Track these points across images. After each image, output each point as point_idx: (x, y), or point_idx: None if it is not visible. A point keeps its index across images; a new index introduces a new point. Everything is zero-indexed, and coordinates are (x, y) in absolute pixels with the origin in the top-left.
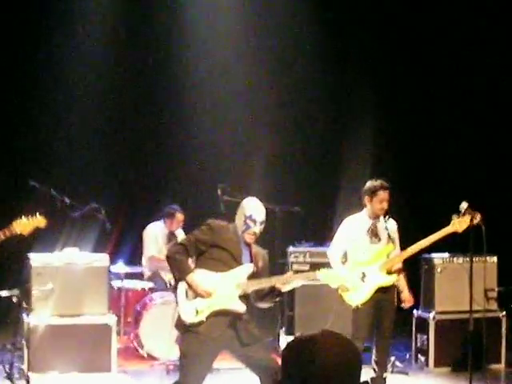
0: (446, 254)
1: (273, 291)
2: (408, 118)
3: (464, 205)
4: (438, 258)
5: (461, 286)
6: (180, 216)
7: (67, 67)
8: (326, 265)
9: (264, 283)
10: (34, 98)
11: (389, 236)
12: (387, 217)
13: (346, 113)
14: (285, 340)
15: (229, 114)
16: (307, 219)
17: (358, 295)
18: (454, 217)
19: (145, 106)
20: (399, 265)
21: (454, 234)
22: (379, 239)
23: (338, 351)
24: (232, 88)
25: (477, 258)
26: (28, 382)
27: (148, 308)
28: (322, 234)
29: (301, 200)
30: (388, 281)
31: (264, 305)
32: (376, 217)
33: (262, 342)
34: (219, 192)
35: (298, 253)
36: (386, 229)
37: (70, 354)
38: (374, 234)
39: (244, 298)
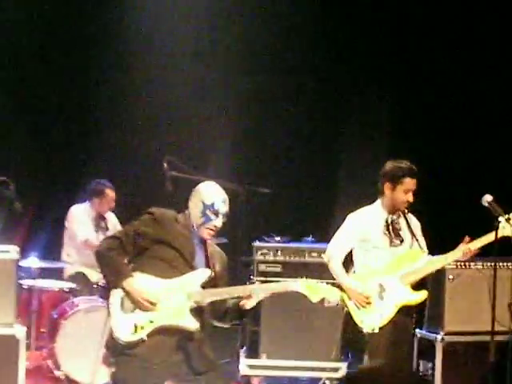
0: None
1: (234, 308)
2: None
3: (488, 198)
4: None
5: (478, 300)
6: (110, 193)
7: None
8: (304, 265)
9: (223, 294)
10: None
11: (413, 236)
12: (406, 212)
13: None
14: (246, 363)
15: (182, 71)
16: (280, 205)
17: (374, 316)
18: (502, 219)
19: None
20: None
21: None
22: (401, 240)
23: None
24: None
25: (501, 264)
26: None
27: (68, 316)
28: (299, 225)
29: (273, 181)
30: (415, 299)
31: (222, 324)
32: (395, 211)
33: (218, 369)
34: (165, 166)
35: (266, 249)
36: (409, 227)
37: None
38: (394, 233)
39: (197, 311)
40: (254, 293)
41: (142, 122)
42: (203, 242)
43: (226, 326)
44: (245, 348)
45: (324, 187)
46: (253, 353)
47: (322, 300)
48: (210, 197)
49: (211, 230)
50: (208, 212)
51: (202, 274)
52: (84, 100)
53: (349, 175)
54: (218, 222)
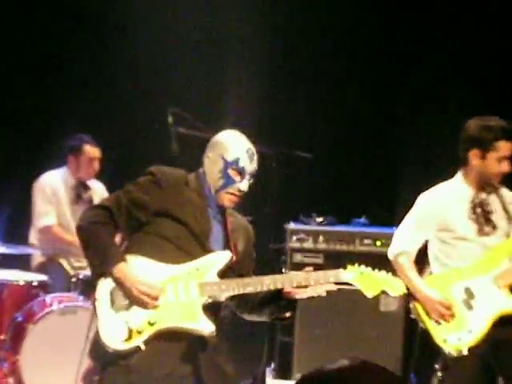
0: None
1: (279, 297)
2: None
3: None
4: None
5: None
6: (92, 151)
7: None
8: (354, 256)
9: (249, 286)
10: None
11: (510, 220)
12: (499, 187)
13: None
14: None
15: None
16: (324, 175)
17: (461, 333)
18: None
19: None
20: None
21: None
22: (493, 227)
23: None
24: None
25: None
26: None
27: (37, 319)
28: (349, 202)
29: (315, 143)
30: None
31: (258, 317)
32: (485, 187)
33: None
34: (170, 120)
35: (304, 233)
36: (504, 208)
37: None
38: (484, 217)
39: (212, 309)
40: (307, 282)
41: (140, 64)
42: (222, 212)
43: (262, 318)
44: (273, 365)
45: (383, 152)
46: (283, 372)
47: (381, 294)
48: (234, 150)
49: (234, 195)
50: (230, 171)
51: (220, 257)
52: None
53: (417, 136)
54: (244, 185)
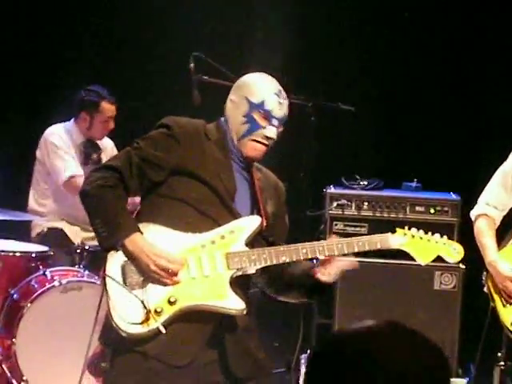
0: None
1: (304, 277)
2: None
3: None
4: None
5: None
6: (110, 109)
7: None
8: (405, 225)
9: (283, 256)
10: None
11: None
12: None
13: None
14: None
15: None
16: (370, 131)
17: None
18: None
19: None
20: None
21: None
22: None
23: (413, 356)
24: None
25: None
26: None
27: (36, 297)
28: (398, 162)
29: (359, 94)
30: None
31: (285, 298)
32: None
33: (270, 377)
34: (191, 66)
35: (345, 198)
36: None
37: None
38: None
39: (242, 284)
40: (338, 251)
41: (160, 6)
42: (248, 167)
43: (294, 300)
44: (309, 352)
45: (439, 108)
46: None
47: (436, 261)
48: (260, 91)
49: (259, 142)
50: (255, 114)
51: (249, 222)
52: None
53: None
54: (270, 131)
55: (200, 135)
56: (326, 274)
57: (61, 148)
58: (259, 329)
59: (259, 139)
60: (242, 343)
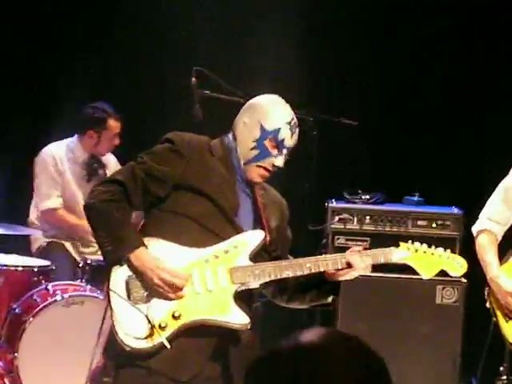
0: None
1: (321, 280)
2: None
3: None
4: None
5: None
6: (116, 126)
7: None
8: (407, 239)
9: (290, 268)
10: None
11: None
12: None
13: None
14: None
15: None
16: (372, 146)
17: None
18: None
19: None
20: None
21: None
22: None
23: (349, 368)
24: None
25: None
26: None
27: (38, 311)
28: (401, 176)
29: (362, 109)
30: None
31: (298, 304)
32: None
33: None
34: (193, 81)
35: (347, 213)
36: None
37: None
38: None
39: (244, 298)
40: (350, 261)
41: (162, 18)
42: (251, 185)
43: (304, 306)
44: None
45: (441, 121)
46: None
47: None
48: (275, 118)
49: (266, 169)
50: (267, 142)
51: (253, 237)
52: None
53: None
54: (279, 161)
55: (204, 151)
56: (342, 274)
57: (48, 173)
58: (261, 342)
59: (266, 166)
60: (245, 358)
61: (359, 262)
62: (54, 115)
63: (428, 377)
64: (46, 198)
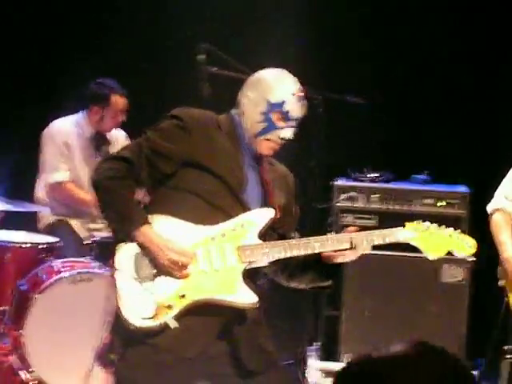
0: None
1: (315, 262)
2: None
3: None
4: None
5: None
6: (120, 102)
7: None
8: (414, 218)
9: (299, 247)
10: None
11: None
12: None
13: None
14: (315, 368)
15: None
16: (380, 125)
17: None
18: None
19: None
20: None
21: None
22: None
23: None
24: None
25: None
26: None
27: (44, 288)
28: (408, 155)
29: (370, 87)
30: None
31: (297, 284)
32: None
33: (281, 369)
34: (199, 58)
35: (354, 191)
36: None
37: None
38: None
39: (251, 277)
40: (348, 241)
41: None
42: (257, 159)
43: (303, 286)
44: (316, 345)
45: (451, 99)
46: (329, 352)
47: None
48: (280, 91)
49: (274, 142)
50: (273, 115)
51: (262, 215)
52: None
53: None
54: (287, 132)
55: (211, 127)
56: (340, 256)
57: (56, 147)
58: (267, 321)
59: (274, 139)
60: (253, 336)
61: (362, 241)
62: (63, 93)
63: None
64: (54, 171)
